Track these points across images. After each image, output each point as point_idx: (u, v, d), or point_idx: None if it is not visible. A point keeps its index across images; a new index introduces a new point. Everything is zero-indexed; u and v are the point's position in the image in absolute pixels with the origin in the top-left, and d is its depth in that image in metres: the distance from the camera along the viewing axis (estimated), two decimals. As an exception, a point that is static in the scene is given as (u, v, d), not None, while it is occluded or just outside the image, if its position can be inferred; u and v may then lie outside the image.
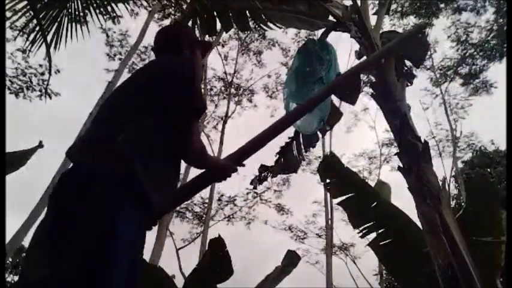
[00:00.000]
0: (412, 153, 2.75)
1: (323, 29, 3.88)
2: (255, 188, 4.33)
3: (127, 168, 1.12)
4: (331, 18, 3.82)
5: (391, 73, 3.20)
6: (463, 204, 4.27)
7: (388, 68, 3.22)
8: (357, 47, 3.83)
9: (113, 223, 1.05)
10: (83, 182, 1.11)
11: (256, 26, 4.26)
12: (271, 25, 4.11)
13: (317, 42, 3.59)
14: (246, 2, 3.98)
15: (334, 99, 3.99)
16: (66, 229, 1.06)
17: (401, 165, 2.82)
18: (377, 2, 4.26)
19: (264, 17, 4.04)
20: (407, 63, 4.19)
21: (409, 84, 3.97)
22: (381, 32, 3.82)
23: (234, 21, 4.07)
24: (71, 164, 1.28)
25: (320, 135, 4.24)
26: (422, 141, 2.80)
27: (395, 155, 3.31)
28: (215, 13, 4.01)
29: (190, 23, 4.15)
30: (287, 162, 4.10)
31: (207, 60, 16.04)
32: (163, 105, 1.30)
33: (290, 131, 4.11)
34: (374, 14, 3.98)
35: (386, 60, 3.28)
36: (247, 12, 3.99)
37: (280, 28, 4.27)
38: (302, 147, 4.12)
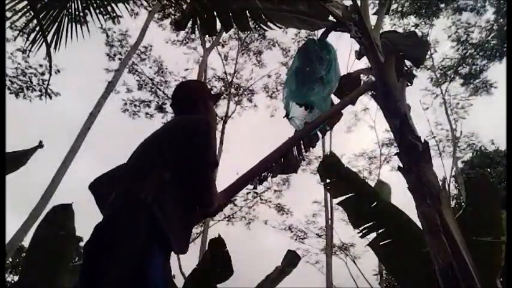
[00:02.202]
0: (412, 153, 2.75)
1: (323, 29, 3.87)
2: (255, 188, 4.33)
3: (151, 218, 1.31)
4: (331, 18, 3.82)
5: (391, 73, 3.20)
6: (463, 204, 4.27)
7: (388, 68, 3.22)
8: (357, 47, 3.83)
9: (145, 260, 1.26)
10: (116, 230, 1.32)
11: (256, 26, 4.26)
12: (271, 25, 4.11)
13: (317, 42, 3.58)
14: (246, 2, 3.98)
15: (335, 99, 3.98)
16: (105, 267, 1.26)
17: (401, 165, 2.82)
18: (377, 2, 4.26)
19: (264, 17, 4.04)
20: (408, 63, 4.19)
21: (409, 84, 3.97)
22: (381, 32, 3.82)
23: (234, 21, 4.07)
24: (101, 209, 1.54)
25: (320, 135, 4.24)
26: (422, 141, 2.80)
27: (395, 155, 3.31)
28: (215, 13, 4.01)
29: (190, 23, 4.16)
30: (287, 162, 4.09)
31: (207, 60, 16.06)
32: (183, 162, 1.48)
33: (290, 131, 4.11)
34: (374, 14, 3.98)
35: (387, 60, 3.28)
36: (247, 12, 3.99)
37: (280, 28, 4.27)
38: (302, 147, 4.12)
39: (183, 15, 4.26)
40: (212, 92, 1.96)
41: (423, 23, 18.05)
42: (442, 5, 17.56)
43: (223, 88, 17.51)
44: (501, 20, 16.36)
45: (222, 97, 17.40)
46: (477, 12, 17.53)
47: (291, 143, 2.72)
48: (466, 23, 17.87)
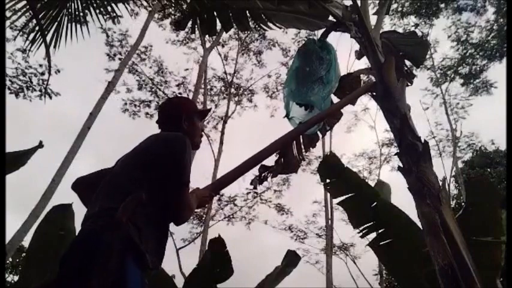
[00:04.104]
0: (412, 153, 2.75)
1: (323, 29, 3.87)
2: (255, 188, 4.33)
3: (126, 234, 1.33)
4: (331, 18, 3.82)
5: (391, 73, 3.20)
6: (463, 204, 4.27)
7: (388, 68, 3.22)
8: (357, 47, 3.83)
9: (124, 275, 1.27)
10: (92, 245, 1.32)
11: (256, 26, 4.26)
12: (271, 25, 4.10)
13: (317, 42, 3.58)
14: (246, 2, 3.98)
15: (335, 99, 3.98)
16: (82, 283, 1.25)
17: (401, 165, 2.82)
18: (377, 2, 4.26)
19: (264, 17, 4.04)
20: (408, 63, 4.19)
21: (409, 84, 3.97)
22: (381, 32, 3.82)
23: (234, 21, 4.07)
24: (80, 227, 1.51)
25: (320, 135, 4.24)
26: (422, 141, 2.80)
27: (395, 155, 3.31)
28: (215, 13, 4.01)
29: (190, 23, 4.16)
30: (287, 162, 4.09)
31: (208, 60, 16.05)
32: (158, 180, 1.51)
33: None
34: (374, 14, 3.98)
35: (387, 60, 3.28)
36: (247, 12, 3.99)
37: (280, 28, 4.27)
38: (302, 147, 4.12)
39: (183, 15, 4.26)
40: (200, 108, 1.97)
41: (423, 23, 18.08)
42: (442, 5, 17.57)
43: (223, 88, 17.52)
44: (501, 20, 16.37)
45: (222, 97, 17.43)
46: (477, 12, 17.56)
47: (285, 140, 2.72)
48: (466, 23, 17.90)
